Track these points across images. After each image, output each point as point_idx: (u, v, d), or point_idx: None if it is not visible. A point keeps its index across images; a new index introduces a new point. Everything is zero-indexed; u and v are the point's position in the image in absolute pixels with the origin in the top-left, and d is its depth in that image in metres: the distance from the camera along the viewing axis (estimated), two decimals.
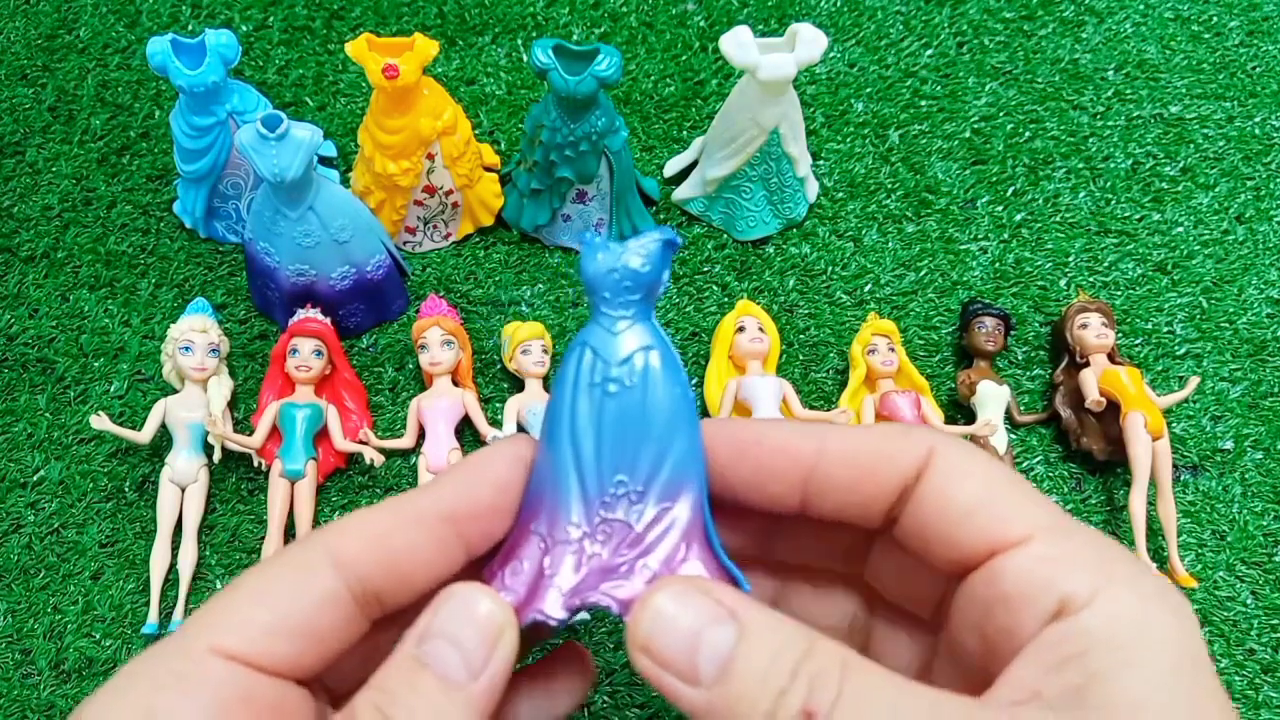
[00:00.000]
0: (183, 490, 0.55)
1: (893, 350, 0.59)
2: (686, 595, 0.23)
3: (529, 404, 0.57)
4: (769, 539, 0.29)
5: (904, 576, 0.27)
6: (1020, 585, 0.22)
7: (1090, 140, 0.71)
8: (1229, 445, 0.60)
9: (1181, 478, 0.59)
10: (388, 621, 0.25)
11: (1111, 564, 0.22)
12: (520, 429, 0.57)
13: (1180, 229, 0.68)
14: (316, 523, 0.56)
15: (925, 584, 0.26)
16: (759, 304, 0.62)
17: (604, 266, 0.26)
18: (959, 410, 0.61)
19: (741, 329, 0.59)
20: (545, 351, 0.59)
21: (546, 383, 0.59)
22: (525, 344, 0.58)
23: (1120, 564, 0.22)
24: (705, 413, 0.60)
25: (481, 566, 0.26)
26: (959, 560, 0.24)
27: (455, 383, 0.58)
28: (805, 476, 0.26)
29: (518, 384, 0.60)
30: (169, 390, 0.58)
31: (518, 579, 0.25)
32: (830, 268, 0.65)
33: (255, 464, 0.56)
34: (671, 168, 0.68)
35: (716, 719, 0.22)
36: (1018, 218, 0.68)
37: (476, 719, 0.23)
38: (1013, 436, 0.60)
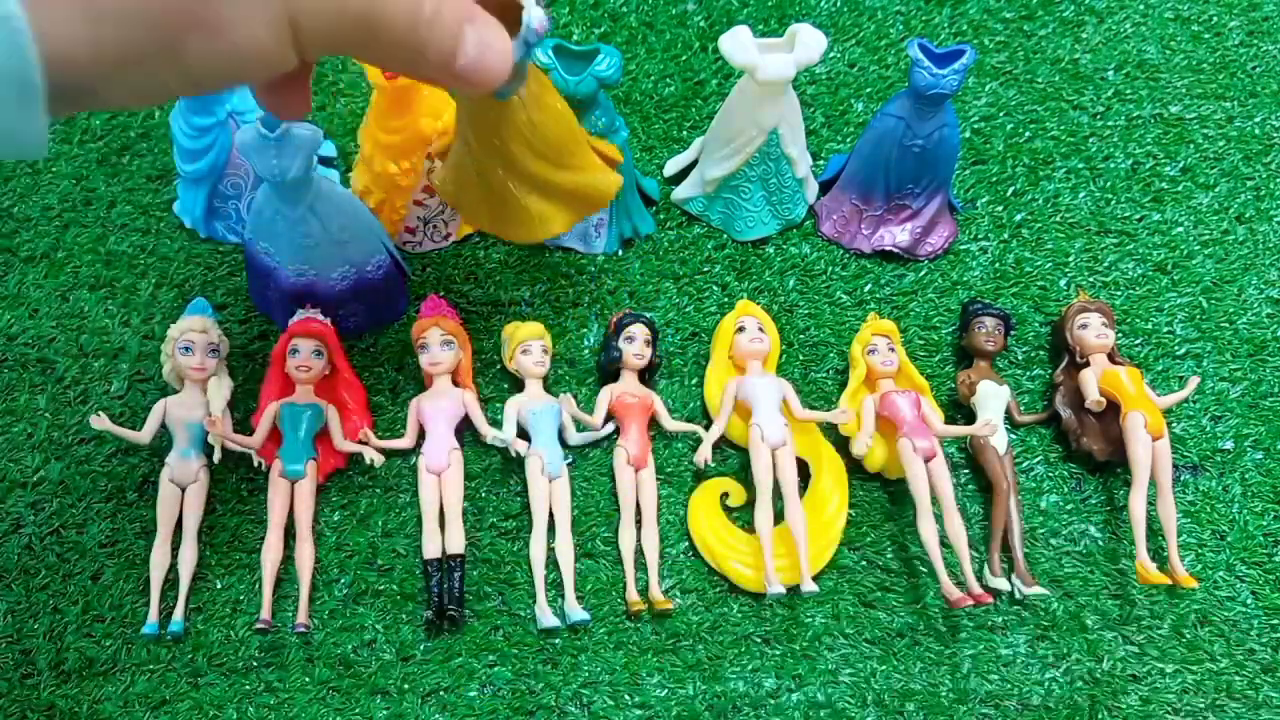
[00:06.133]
0: (183, 490, 0.55)
1: (893, 350, 0.59)
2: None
3: (529, 404, 0.57)
4: None
5: None
6: None
7: (1090, 140, 0.71)
8: (1229, 445, 0.60)
9: (1181, 478, 0.59)
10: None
11: None
12: (520, 429, 0.57)
13: (1180, 229, 0.68)
14: (317, 523, 0.56)
15: None
16: (759, 304, 0.62)
17: None
18: (959, 410, 0.61)
19: (741, 329, 0.59)
20: (545, 351, 0.59)
21: (546, 383, 0.59)
22: (525, 344, 0.58)
23: None
24: (705, 414, 0.60)
25: None
26: None
27: (455, 383, 0.58)
28: None
29: (518, 384, 0.60)
30: (169, 390, 0.58)
31: None
32: (830, 268, 0.65)
33: (255, 464, 0.56)
34: (671, 167, 0.68)
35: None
36: (1018, 218, 0.68)
37: None
38: (1013, 436, 0.60)
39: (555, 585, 0.55)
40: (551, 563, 0.55)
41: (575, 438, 0.59)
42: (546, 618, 0.53)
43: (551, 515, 0.56)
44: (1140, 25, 0.76)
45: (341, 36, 0.31)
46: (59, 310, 0.62)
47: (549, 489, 0.56)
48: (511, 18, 0.37)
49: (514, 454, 0.56)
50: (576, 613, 0.53)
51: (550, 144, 0.47)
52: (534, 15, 0.38)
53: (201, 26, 0.27)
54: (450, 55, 0.34)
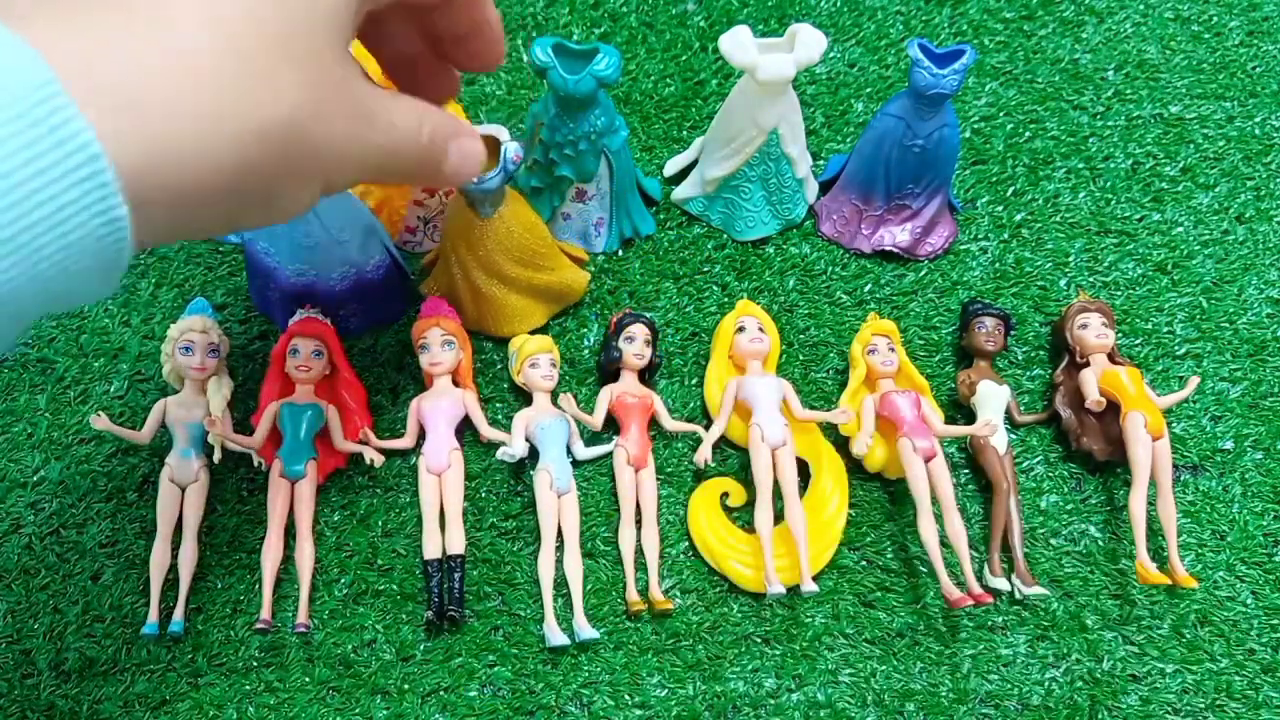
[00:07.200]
0: (183, 490, 0.55)
1: (893, 350, 0.59)
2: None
3: (537, 418, 0.57)
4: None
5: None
6: None
7: (1090, 140, 0.71)
8: (1229, 445, 0.60)
9: (1181, 478, 0.59)
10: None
11: None
12: (529, 443, 0.57)
13: (1180, 229, 0.68)
14: (317, 523, 0.56)
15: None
16: (759, 304, 0.62)
17: None
18: (959, 410, 0.61)
19: (741, 329, 0.59)
20: (553, 365, 0.58)
21: (554, 397, 0.59)
22: (533, 358, 0.58)
23: None
24: (705, 414, 0.60)
25: None
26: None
27: (455, 383, 0.58)
28: None
29: (519, 385, 0.60)
30: (169, 390, 0.58)
31: None
32: (830, 268, 0.65)
33: (255, 464, 0.56)
34: (672, 167, 0.68)
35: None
36: (1018, 218, 0.68)
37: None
38: (1013, 436, 0.60)
39: (556, 585, 0.55)
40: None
41: (583, 453, 0.58)
42: (555, 636, 0.53)
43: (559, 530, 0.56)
44: (1140, 25, 0.76)
45: (361, 180, 0.38)
46: None
47: (558, 504, 0.56)
48: (493, 148, 0.46)
49: (512, 457, 0.56)
50: (585, 631, 0.53)
51: (526, 251, 0.57)
52: (510, 148, 0.47)
53: (261, 206, 0.32)
54: (439, 165, 0.41)
